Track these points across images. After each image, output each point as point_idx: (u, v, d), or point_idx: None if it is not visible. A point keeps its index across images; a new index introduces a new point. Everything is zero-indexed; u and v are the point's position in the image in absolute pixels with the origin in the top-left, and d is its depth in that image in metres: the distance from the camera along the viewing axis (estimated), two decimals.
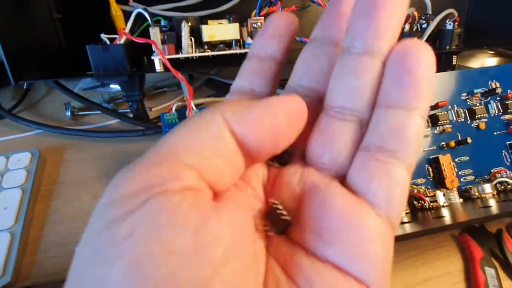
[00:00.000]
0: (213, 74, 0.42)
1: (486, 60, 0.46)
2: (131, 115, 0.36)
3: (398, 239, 0.24)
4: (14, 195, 0.28)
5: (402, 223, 0.25)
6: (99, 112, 0.38)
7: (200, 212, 0.09)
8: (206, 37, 0.30)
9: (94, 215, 0.09)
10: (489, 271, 0.25)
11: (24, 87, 0.42)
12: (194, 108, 0.27)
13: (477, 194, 0.27)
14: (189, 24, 0.30)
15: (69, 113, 0.38)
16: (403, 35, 0.34)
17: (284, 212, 0.11)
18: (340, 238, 0.10)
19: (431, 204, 0.26)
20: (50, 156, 0.33)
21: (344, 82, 0.11)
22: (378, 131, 0.11)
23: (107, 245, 0.08)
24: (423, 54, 0.10)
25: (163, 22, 0.32)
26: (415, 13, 0.33)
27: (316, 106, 0.13)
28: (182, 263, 0.08)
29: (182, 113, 0.27)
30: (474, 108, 0.30)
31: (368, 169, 0.11)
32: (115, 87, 0.43)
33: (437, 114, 0.29)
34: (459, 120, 0.30)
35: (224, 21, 0.31)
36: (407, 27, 0.33)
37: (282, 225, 0.11)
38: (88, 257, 0.09)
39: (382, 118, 0.11)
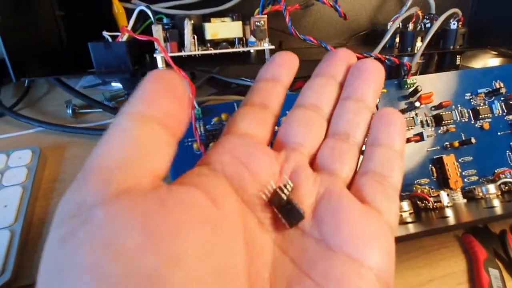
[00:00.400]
0: (215, 73, 0.42)
1: (489, 61, 0.46)
2: None
3: (402, 239, 0.24)
4: (15, 193, 0.28)
5: (406, 223, 0.25)
6: (100, 110, 0.38)
7: (146, 209, 0.09)
8: (208, 35, 0.30)
9: (49, 235, 0.10)
10: (493, 272, 0.25)
11: (25, 85, 0.42)
12: (197, 106, 0.27)
13: (481, 194, 0.26)
14: (192, 22, 0.30)
15: (70, 111, 0.38)
16: (407, 35, 0.33)
17: (301, 207, 0.13)
18: (353, 231, 0.12)
19: (435, 204, 0.26)
20: (51, 154, 0.33)
21: (348, 117, 0.16)
22: (373, 161, 0.15)
23: (59, 265, 0.09)
24: (400, 116, 0.15)
25: (165, 20, 0.32)
26: (419, 12, 0.33)
27: (321, 121, 0.16)
28: (134, 263, 0.08)
29: None
30: (478, 108, 0.30)
31: (371, 187, 0.14)
32: (116, 85, 0.43)
33: (441, 114, 0.29)
34: (463, 120, 0.30)
35: (227, 19, 0.30)
36: (411, 26, 0.33)
37: (296, 217, 0.12)
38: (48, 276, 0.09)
39: (375, 153, 0.15)
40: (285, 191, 0.13)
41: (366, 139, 0.16)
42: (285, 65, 0.17)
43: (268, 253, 0.12)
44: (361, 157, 0.16)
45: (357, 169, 0.15)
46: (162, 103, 0.11)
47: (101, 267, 0.08)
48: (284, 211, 0.12)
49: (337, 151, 0.15)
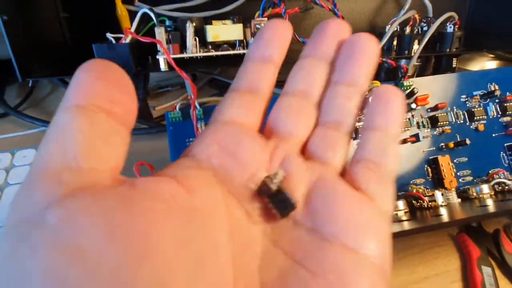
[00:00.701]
0: (216, 74, 0.43)
1: (486, 63, 0.47)
2: None
3: (397, 235, 0.25)
4: None
5: (401, 221, 0.25)
6: None
7: (103, 204, 0.09)
8: (210, 37, 0.30)
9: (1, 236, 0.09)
10: (486, 270, 0.26)
11: (29, 85, 0.42)
12: (198, 106, 0.27)
13: (475, 194, 0.27)
14: (194, 24, 0.30)
15: None
16: (404, 38, 0.34)
17: (292, 197, 0.12)
18: (350, 221, 0.12)
19: (430, 203, 0.26)
20: None
21: (338, 102, 0.15)
22: (366, 148, 0.14)
23: (11, 271, 0.08)
24: (400, 94, 0.14)
25: (168, 22, 0.33)
26: (416, 16, 0.34)
27: (311, 108, 0.15)
28: (97, 261, 0.08)
29: (186, 112, 0.27)
30: (473, 110, 0.30)
31: (365, 175, 0.13)
32: None
33: (437, 115, 0.29)
34: (458, 122, 0.30)
35: (228, 21, 0.31)
36: (408, 29, 0.34)
37: (288, 207, 0.12)
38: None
39: (369, 138, 0.14)
40: (275, 180, 0.12)
41: (360, 122, 0.15)
42: (276, 40, 0.15)
43: (257, 245, 0.11)
44: (355, 142, 0.15)
45: (351, 156, 0.14)
46: (101, 90, 0.10)
47: (57, 271, 0.08)
48: (275, 201, 0.12)
49: (329, 140, 0.14)
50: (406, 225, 0.24)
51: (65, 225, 0.08)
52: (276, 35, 0.15)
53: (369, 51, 0.14)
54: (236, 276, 0.10)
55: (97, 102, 0.10)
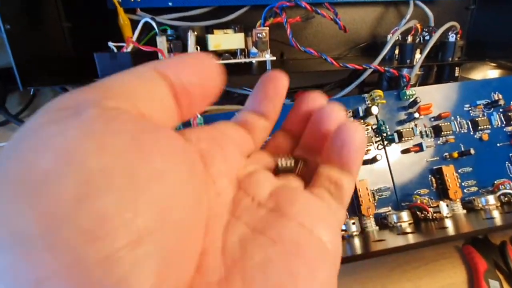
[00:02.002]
0: None
1: (488, 72, 0.46)
2: None
3: (402, 249, 0.24)
4: None
5: (405, 233, 0.25)
6: None
7: (139, 124, 0.09)
8: (211, 46, 0.30)
9: (22, 127, 0.09)
10: (493, 283, 0.25)
11: (31, 93, 0.42)
12: (199, 115, 0.27)
13: (480, 205, 0.27)
14: (195, 33, 0.30)
15: None
16: (406, 47, 0.34)
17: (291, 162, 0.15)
18: (308, 208, 0.13)
19: (435, 214, 0.26)
20: None
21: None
22: (323, 180, 0.14)
23: (34, 139, 0.08)
24: (360, 134, 0.14)
25: (169, 31, 0.33)
26: (418, 25, 0.34)
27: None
28: (118, 160, 0.08)
29: (187, 121, 0.27)
30: (477, 119, 0.30)
31: (320, 193, 0.14)
32: None
33: (440, 125, 0.29)
34: (462, 131, 0.30)
35: (230, 31, 0.31)
36: (409, 39, 0.34)
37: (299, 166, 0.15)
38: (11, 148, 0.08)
39: (323, 173, 0.14)
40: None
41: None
42: (272, 98, 0.16)
43: (222, 217, 0.12)
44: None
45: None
46: (184, 72, 0.11)
47: (77, 155, 0.08)
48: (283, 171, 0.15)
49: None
50: (411, 238, 0.24)
51: (103, 124, 0.08)
52: (273, 91, 0.16)
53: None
54: (205, 240, 0.11)
55: (173, 78, 0.11)
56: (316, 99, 0.16)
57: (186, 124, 0.27)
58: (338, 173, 0.14)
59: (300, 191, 0.14)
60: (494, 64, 0.44)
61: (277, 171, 0.15)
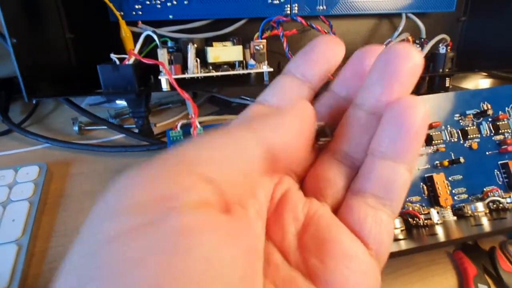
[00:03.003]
0: (215, 92, 0.44)
1: (480, 82, 0.48)
2: (136, 131, 0.37)
3: (394, 255, 0.25)
4: (22, 208, 0.29)
5: (397, 239, 0.26)
6: (105, 127, 0.40)
7: (215, 236, 0.08)
8: (211, 58, 0.31)
9: (88, 228, 0.08)
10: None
11: (34, 102, 0.43)
12: (199, 125, 0.28)
13: (470, 212, 0.28)
14: (195, 46, 0.32)
15: (76, 127, 0.39)
16: None
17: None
18: (338, 268, 0.11)
19: (426, 221, 0.27)
20: (57, 170, 0.34)
21: (353, 134, 0.13)
22: (370, 179, 0.12)
23: (106, 272, 0.07)
24: (420, 113, 0.11)
25: (170, 43, 0.34)
26: (410, 38, 0.35)
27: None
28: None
29: (186, 131, 0.28)
30: (466, 128, 0.31)
31: (361, 213, 0.12)
32: (121, 103, 0.44)
33: (431, 134, 0.30)
34: (452, 140, 0.31)
35: (228, 43, 0.32)
36: None
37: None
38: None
39: (374, 168, 0.12)
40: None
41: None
42: (323, 62, 0.14)
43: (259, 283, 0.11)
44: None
45: (352, 183, 0.13)
46: (283, 137, 0.11)
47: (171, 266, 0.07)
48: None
49: (331, 175, 0.13)
50: (403, 245, 0.25)
51: (180, 241, 0.08)
52: (325, 56, 0.14)
53: (406, 70, 0.12)
54: None
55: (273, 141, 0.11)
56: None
57: (187, 134, 0.28)
58: (391, 167, 0.12)
59: (333, 232, 0.12)
60: (485, 74, 0.46)
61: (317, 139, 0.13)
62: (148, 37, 0.33)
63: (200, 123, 0.29)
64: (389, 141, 0.12)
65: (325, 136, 0.13)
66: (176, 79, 0.29)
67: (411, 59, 0.12)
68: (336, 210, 0.13)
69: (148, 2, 0.33)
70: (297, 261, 0.12)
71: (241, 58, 0.32)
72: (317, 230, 0.12)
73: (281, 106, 0.14)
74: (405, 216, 0.27)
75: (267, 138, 0.11)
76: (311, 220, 0.12)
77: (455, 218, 0.28)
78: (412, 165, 0.12)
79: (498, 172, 0.31)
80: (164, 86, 0.31)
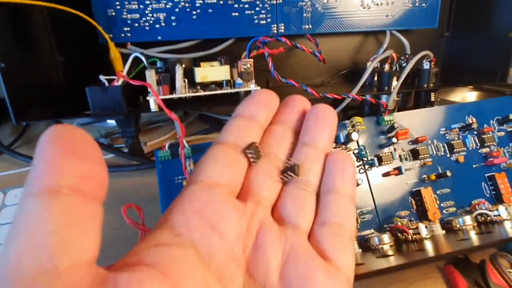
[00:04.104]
0: (205, 110, 0.44)
1: (466, 94, 0.49)
2: (126, 150, 0.37)
3: (384, 271, 0.25)
4: None
5: (387, 255, 0.26)
6: None
7: None
8: (199, 78, 0.32)
9: None
10: None
11: (23, 123, 0.43)
12: (186, 145, 0.28)
13: (458, 226, 0.28)
14: (183, 66, 0.32)
15: None
16: (383, 75, 0.36)
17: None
18: None
19: (414, 236, 0.27)
20: None
21: (307, 164, 0.17)
22: (331, 211, 0.15)
23: None
24: (351, 161, 0.17)
25: (158, 64, 0.34)
26: (394, 55, 0.36)
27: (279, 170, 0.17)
28: None
29: (175, 150, 0.28)
30: (452, 142, 0.32)
31: (331, 241, 0.15)
32: (111, 122, 0.44)
33: (418, 148, 0.31)
34: (439, 154, 0.32)
35: (216, 63, 0.33)
36: (387, 67, 0.36)
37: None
38: None
39: (332, 201, 0.16)
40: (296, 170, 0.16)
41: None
42: (265, 105, 0.17)
43: None
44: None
45: (316, 215, 0.16)
46: (72, 166, 0.10)
47: None
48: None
49: (299, 202, 0.15)
50: (392, 261, 0.25)
51: None
52: (265, 101, 0.17)
53: (330, 117, 0.17)
54: None
55: (69, 182, 0.09)
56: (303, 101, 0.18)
57: (175, 154, 0.28)
58: (345, 198, 0.15)
59: (310, 264, 0.13)
60: (471, 87, 0.47)
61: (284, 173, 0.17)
62: (137, 58, 0.33)
63: (188, 142, 0.29)
64: (339, 179, 0.16)
65: (294, 173, 0.16)
66: (164, 100, 0.29)
67: (331, 112, 0.18)
68: (308, 236, 0.15)
69: (136, 24, 0.34)
70: None
71: (228, 78, 0.33)
72: (295, 264, 0.13)
73: (238, 143, 0.16)
74: (394, 231, 0.27)
75: (56, 185, 0.10)
76: (289, 254, 0.14)
77: (443, 232, 0.28)
78: (355, 197, 0.16)
79: (485, 185, 0.31)
80: (153, 106, 0.31)
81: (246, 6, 0.34)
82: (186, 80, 0.32)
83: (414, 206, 0.30)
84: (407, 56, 0.37)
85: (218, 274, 0.12)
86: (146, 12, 0.34)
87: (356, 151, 0.30)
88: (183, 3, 0.34)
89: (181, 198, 0.14)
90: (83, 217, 0.10)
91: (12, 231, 0.09)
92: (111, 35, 0.34)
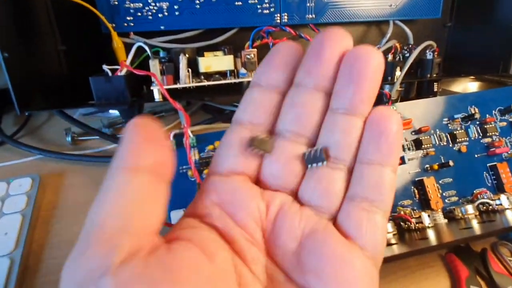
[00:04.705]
0: (208, 100, 0.44)
1: (468, 85, 0.49)
2: None
3: (387, 260, 0.25)
4: (15, 221, 0.29)
5: (390, 244, 0.26)
6: (98, 137, 0.40)
7: (148, 278, 0.10)
8: (202, 68, 0.32)
9: None
10: None
11: (26, 113, 0.43)
12: (191, 135, 0.28)
13: (460, 215, 0.28)
14: (187, 56, 0.32)
15: (69, 138, 0.39)
16: (387, 65, 0.36)
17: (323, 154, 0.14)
18: (336, 278, 0.12)
19: (417, 225, 0.27)
20: (50, 181, 0.34)
21: (336, 138, 0.14)
22: (361, 184, 0.13)
23: None
24: (395, 121, 0.13)
25: (162, 54, 0.34)
26: (397, 45, 0.36)
27: (304, 149, 0.15)
28: None
29: (179, 140, 0.28)
30: (455, 132, 0.32)
31: (356, 217, 0.13)
32: (114, 112, 0.44)
33: (421, 138, 0.31)
34: (442, 144, 0.32)
35: (219, 53, 0.33)
36: (390, 57, 0.36)
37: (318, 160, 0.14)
38: None
39: (364, 173, 0.13)
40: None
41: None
42: (285, 65, 0.14)
43: None
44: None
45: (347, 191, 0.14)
46: (151, 152, 0.12)
47: None
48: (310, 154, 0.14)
49: (324, 182, 0.14)
50: (395, 249, 0.25)
51: None
52: (285, 60, 0.14)
53: (372, 68, 0.13)
54: None
55: (146, 163, 0.11)
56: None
57: (179, 144, 0.28)
58: (379, 171, 0.13)
59: (329, 244, 0.13)
60: (473, 77, 0.47)
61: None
62: (140, 48, 0.33)
63: (192, 132, 0.29)
64: (374, 148, 0.13)
65: (320, 161, 0.14)
66: (168, 89, 0.29)
67: (373, 60, 0.13)
68: (334, 216, 0.14)
69: (139, 14, 0.34)
70: (298, 277, 0.12)
71: (232, 67, 0.32)
72: (313, 245, 0.13)
73: (253, 121, 0.15)
74: (397, 220, 0.28)
75: (138, 165, 0.12)
76: (308, 235, 0.13)
77: (446, 221, 0.28)
78: (395, 166, 0.13)
79: (487, 175, 0.32)
80: (157, 96, 0.31)
81: None
82: (190, 70, 0.31)
83: (417, 196, 0.30)
84: (410, 46, 0.37)
85: (241, 256, 0.13)
86: (149, 1, 0.33)
87: None
88: None
89: (202, 190, 0.14)
90: (154, 193, 0.12)
91: (100, 197, 0.11)
92: (113, 25, 0.34)
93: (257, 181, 0.15)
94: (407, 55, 0.37)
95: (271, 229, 0.14)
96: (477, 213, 0.28)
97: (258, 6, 0.35)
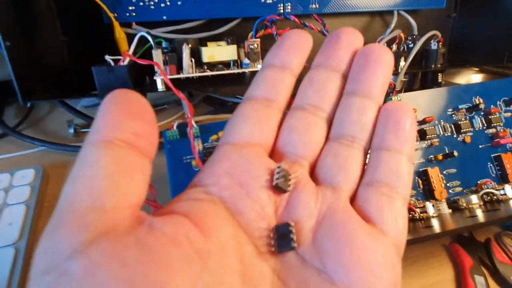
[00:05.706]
0: (211, 92, 0.44)
1: (472, 76, 0.48)
2: None
3: None
4: (19, 211, 0.29)
5: None
6: None
7: (121, 258, 0.09)
8: (205, 58, 0.31)
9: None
10: (479, 279, 0.26)
11: (28, 105, 0.43)
12: (195, 125, 0.28)
13: (464, 205, 0.28)
14: (190, 46, 0.32)
15: (72, 130, 0.39)
16: None
17: (295, 237, 0.12)
18: (358, 263, 0.11)
19: (421, 214, 0.27)
20: (54, 172, 0.34)
21: (353, 117, 0.14)
22: (379, 170, 0.13)
23: None
24: (410, 111, 0.14)
25: (164, 44, 0.34)
26: (402, 35, 0.35)
27: (323, 124, 0.15)
28: None
29: (183, 130, 0.28)
30: (459, 123, 0.32)
31: (377, 202, 0.13)
32: None
33: (425, 129, 0.31)
34: (446, 134, 0.32)
35: (223, 43, 0.32)
36: (394, 47, 0.35)
37: (286, 246, 0.12)
38: None
39: (382, 159, 0.13)
40: (291, 181, 0.13)
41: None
42: (297, 49, 0.15)
43: (266, 283, 0.11)
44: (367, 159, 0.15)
45: (363, 175, 0.14)
46: (127, 124, 0.11)
47: None
48: (278, 233, 0.12)
49: (341, 159, 0.14)
50: None
51: (87, 276, 0.09)
52: (297, 45, 0.15)
53: (385, 60, 0.14)
54: None
55: (123, 136, 0.11)
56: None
57: (183, 134, 0.28)
58: (398, 157, 0.13)
59: (348, 227, 0.12)
60: (477, 69, 0.46)
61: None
62: (142, 38, 0.33)
63: (196, 122, 0.29)
64: (392, 136, 0.14)
65: (283, 191, 0.13)
66: (171, 79, 0.29)
67: (385, 53, 0.15)
68: (350, 198, 0.14)
69: (141, 4, 0.33)
70: (313, 259, 0.12)
71: (235, 58, 0.32)
72: (331, 226, 0.12)
73: (267, 97, 0.15)
74: None
75: (112, 137, 0.11)
76: (325, 215, 0.12)
77: (450, 211, 0.28)
78: (412, 156, 0.14)
79: (491, 165, 0.31)
80: (160, 86, 0.31)
81: None
82: (193, 60, 0.31)
83: (421, 186, 0.30)
84: (414, 36, 0.37)
85: (248, 231, 0.12)
86: None
87: None
88: None
89: (212, 159, 0.14)
90: (132, 167, 0.11)
91: (73, 173, 0.10)
92: (115, 15, 0.33)
93: (272, 154, 0.15)
94: (411, 45, 0.36)
95: (284, 205, 0.13)
96: (482, 203, 0.28)
97: None
